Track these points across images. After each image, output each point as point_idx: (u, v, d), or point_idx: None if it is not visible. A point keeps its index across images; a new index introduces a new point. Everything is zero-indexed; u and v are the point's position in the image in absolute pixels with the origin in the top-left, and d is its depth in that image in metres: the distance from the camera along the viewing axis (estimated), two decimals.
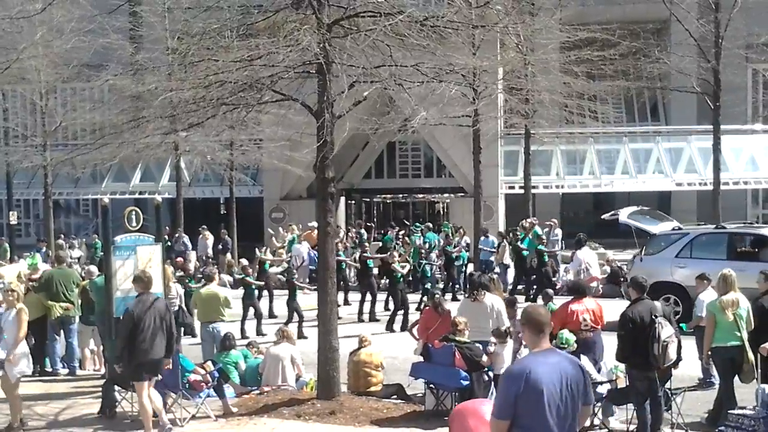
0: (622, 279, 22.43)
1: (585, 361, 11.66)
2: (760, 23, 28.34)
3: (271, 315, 21.95)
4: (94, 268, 16.98)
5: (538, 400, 5.97)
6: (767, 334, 11.33)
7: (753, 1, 27.70)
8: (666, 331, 10.46)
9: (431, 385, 12.59)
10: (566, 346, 11.24)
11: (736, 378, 11.70)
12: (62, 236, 35.59)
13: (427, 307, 14.94)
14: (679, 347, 10.78)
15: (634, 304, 10.93)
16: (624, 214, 22.63)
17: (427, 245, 26.90)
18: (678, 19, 30.50)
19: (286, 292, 20.68)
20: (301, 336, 18.50)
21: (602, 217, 24.66)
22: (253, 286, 20.75)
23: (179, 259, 30.10)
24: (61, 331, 16.17)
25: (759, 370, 11.29)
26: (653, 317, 10.56)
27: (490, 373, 12.38)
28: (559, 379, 6.08)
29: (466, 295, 14.60)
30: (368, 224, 37.14)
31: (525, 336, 6.42)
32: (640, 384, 10.81)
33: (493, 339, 12.58)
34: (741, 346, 11.46)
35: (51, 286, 15.88)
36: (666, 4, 30.29)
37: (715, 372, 12.95)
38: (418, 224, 32.60)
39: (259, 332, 19.59)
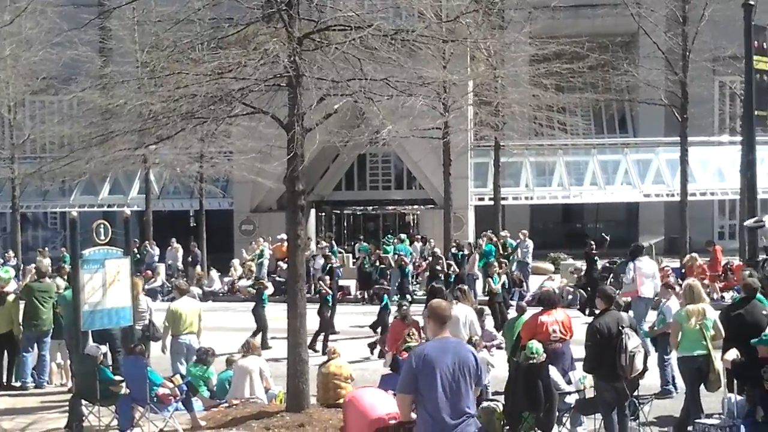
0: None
1: (554, 372, 11.74)
2: (727, 37, 28.68)
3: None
4: (61, 282, 16.85)
5: (432, 377, 7.02)
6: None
7: (720, 15, 28.02)
8: (633, 341, 10.55)
9: None
10: (536, 356, 11.29)
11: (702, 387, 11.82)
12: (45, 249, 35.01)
13: (396, 319, 14.97)
14: (646, 357, 10.91)
15: (601, 315, 11.01)
16: None
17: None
18: (646, 32, 30.85)
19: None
20: (265, 347, 18.29)
21: (744, 223, 23.69)
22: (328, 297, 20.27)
23: (148, 271, 30.06)
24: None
25: (725, 379, 11.39)
26: (620, 328, 10.64)
27: None
28: (452, 361, 7.08)
29: None
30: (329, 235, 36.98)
31: (429, 326, 7.40)
32: (607, 394, 10.87)
33: None
34: (707, 356, 11.55)
35: (32, 299, 15.64)
36: (634, 18, 30.63)
37: (677, 380, 13.13)
38: (390, 236, 32.73)
39: (322, 346, 18.68)
